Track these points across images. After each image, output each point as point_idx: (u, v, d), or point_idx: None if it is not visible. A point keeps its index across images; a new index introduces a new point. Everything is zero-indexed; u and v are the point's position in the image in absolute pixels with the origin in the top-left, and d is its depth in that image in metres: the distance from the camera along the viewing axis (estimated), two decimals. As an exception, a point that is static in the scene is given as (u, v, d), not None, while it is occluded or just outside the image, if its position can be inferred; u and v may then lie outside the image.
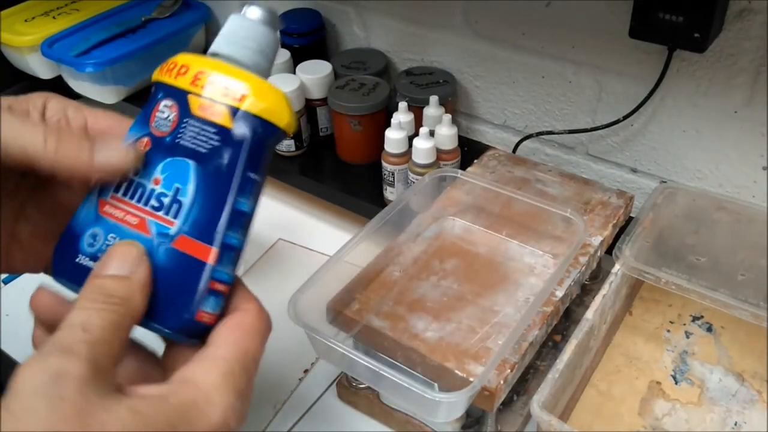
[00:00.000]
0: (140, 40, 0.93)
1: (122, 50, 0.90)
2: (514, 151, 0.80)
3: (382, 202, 0.76)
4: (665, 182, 0.69)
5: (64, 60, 0.90)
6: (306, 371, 0.65)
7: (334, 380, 0.63)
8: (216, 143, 0.33)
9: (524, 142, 0.79)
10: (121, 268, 0.31)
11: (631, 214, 0.65)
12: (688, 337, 0.63)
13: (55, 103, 0.38)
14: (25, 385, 0.26)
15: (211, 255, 0.32)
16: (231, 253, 0.34)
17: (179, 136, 0.34)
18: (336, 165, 0.83)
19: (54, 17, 0.98)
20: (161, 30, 0.95)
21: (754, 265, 0.61)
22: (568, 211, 0.56)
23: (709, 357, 0.61)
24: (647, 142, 0.72)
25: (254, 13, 0.36)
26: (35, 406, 0.25)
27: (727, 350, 0.62)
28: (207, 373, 0.31)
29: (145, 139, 0.35)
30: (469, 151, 0.79)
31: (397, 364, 0.52)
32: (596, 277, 0.66)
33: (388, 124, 0.72)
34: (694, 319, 0.65)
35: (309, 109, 0.83)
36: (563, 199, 0.63)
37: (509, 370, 0.48)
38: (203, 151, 0.33)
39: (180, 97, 0.34)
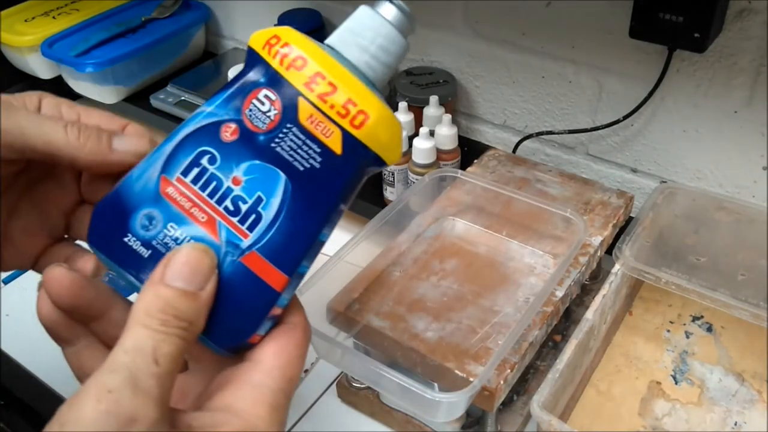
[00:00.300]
0: (140, 40, 0.93)
1: (122, 50, 0.90)
2: (514, 151, 0.80)
3: (382, 202, 0.76)
4: (665, 182, 0.69)
5: (64, 60, 0.90)
6: (306, 371, 0.65)
7: (334, 380, 0.63)
8: (317, 164, 0.29)
9: (524, 142, 0.79)
10: (191, 281, 0.28)
11: (631, 214, 0.65)
12: (688, 337, 0.63)
13: (49, 100, 0.38)
14: (88, 423, 0.24)
15: (283, 283, 0.29)
16: (298, 281, 0.31)
17: (277, 140, 0.29)
18: (336, 165, 0.83)
19: (54, 17, 0.98)
20: (161, 30, 0.95)
21: (754, 265, 0.61)
22: (568, 211, 0.56)
23: (709, 357, 0.61)
24: (647, 142, 0.72)
25: (389, 11, 0.31)
26: None
27: (727, 350, 0.62)
28: (255, 406, 0.29)
29: (233, 126, 0.29)
30: (469, 151, 0.79)
31: (397, 364, 0.52)
32: (596, 277, 0.66)
33: (388, 124, 0.72)
34: (694, 319, 0.65)
35: (309, 109, 0.83)
36: (563, 199, 0.63)
37: (509, 370, 0.48)
38: (300, 167, 0.29)
39: (289, 95, 0.29)
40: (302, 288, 0.51)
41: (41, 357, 0.66)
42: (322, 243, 0.31)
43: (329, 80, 0.28)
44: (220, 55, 1.04)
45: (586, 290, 0.66)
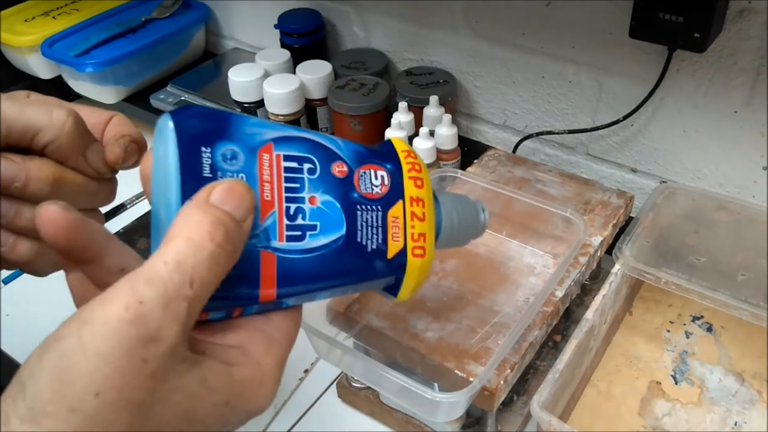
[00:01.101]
0: (140, 40, 0.93)
1: (122, 50, 0.91)
2: (514, 151, 0.80)
3: (382, 202, 0.76)
4: (665, 182, 0.69)
5: (64, 60, 0.90)
6: (306, 371, 0.65)
7: (334, 380, 0.63)
8: (368, 249, 0.32)
9: (524, 142, 0.79)
10: (239, 210, 0.27)
11: (631, 214, 0.65)
12: (688, 337, 0.63)
13: (37, 96, 0.38)
14: (110, 328, 0.23)
15: (268, 298, 0.30)
16: (272, 308, 0.31)
17: (363, 208, 0.32)
18: (336, 165, 0.83)
19: (54, 17, 0.98)
20: (161, 30, 0.95)
21: (754, 265, 0.61)
22: (568, 211, 0.56)
23: (709, 357, 0.61)
24: (647, 142, 0.72)
25: (484, 217, 0.38)
26: (112, 358, 0.23)
27: (727, 350, 0.62)
28: (268, 356, 0.29)
29: (346, 169, 0.33)
30: (469, 151, 0.79)
31: (397, 364, 0.52)
32: (596, 277, 0.66)
33: (388, 124, 0.72)
34: (694, 319, 0.65)
35: (309, 109, 0.83)
36: (563, 199, 0.63)
37: (509, 370, 0.48)
38: (358, 239, 0.32)
39: (396, 190, 0.33)
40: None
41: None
42: (311, 300, 0.32)
43: (425, 212, 0.33)
44: (220, 55, 1.04)
45: (586, 290, 0.66)
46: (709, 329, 0.64)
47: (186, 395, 0.25)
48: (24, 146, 0.34)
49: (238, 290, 0.29)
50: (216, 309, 0.29)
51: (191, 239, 0.25)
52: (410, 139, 0.71)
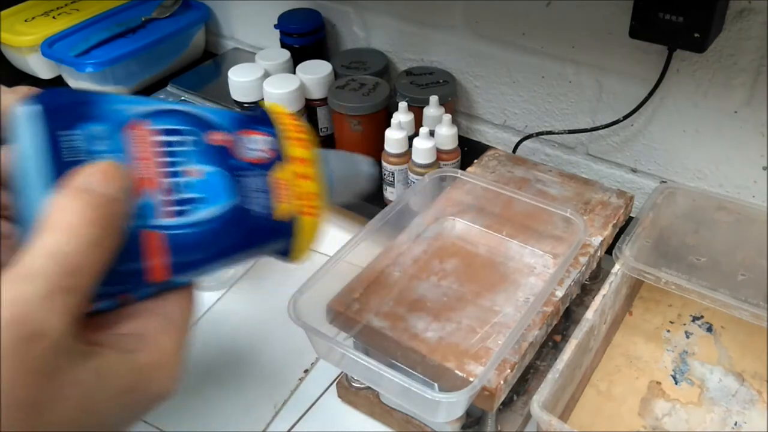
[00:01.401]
0: (140, 40, 0.93)
1: (122, 50, 0.91)
2: (514, 151, 0.80)
3: (382, 202, 0.76)
4: (665, 182, 0.69)
5: (64, 60, 0.90)
6: (306, 371, 0.65)
7: (334, 380, 0.63)
8: (255, 213, 0.31)
9: (524, 142, 0.79)
10: (112, 190, 0.26)
11: (631, 214, 0.65)
12: (688, 337, 0.63)
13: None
14: None
15: (162, 276, 0.29)
16: (166, 288, 0.30)
17: (247, 173, 0.31)
18: (336, 165, 0.83)
19: (54, 17, 0.98)
20: (161, 30, 0.95)
21: (754, 265, 0.61)
22: (568, 211, 0.56)
23: (709, 357, 0.61)
24: (647, 142, 0.72)
25: (368, 169, 0.38)
26: None
27: (727, 350, 0.62)
28: (167, 337, 0.29)
29: (224, 136, 0.31)
30: (469, 151, 0.79)
31: (397, 364, 0.52)
32: (596, 277, 0.66)
33: (388, 124, 0.72)
34: (694, 319, 0.65)
35: (309, 109, 0.83)
36: (563, 199, 0.63)
37: (509, 370, 0.48)
38: (247, 205, 0.31)
39: (281, 155, 0.32)
40: (302, 288, 0.51)
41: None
42: (206, 274, 0.30)
43: (311, 171, 0.33)
44: (220, 55, 1.04)
45: (586, 290, 0.66)
46: (709, 329, 0.64)
47: (83, 388, 0.24)
48: None
49: (122, 274, 0.27)
50: (103, 298, 0.27)
51: (66, 227, 0.24)
52: (410, 139, 0.71)
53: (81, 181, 0.26)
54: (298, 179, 0.32)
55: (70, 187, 0.25)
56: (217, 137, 0.31)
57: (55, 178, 0.26)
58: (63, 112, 0.28)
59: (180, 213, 0.29)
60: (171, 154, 0.29)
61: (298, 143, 0.33)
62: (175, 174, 0.29)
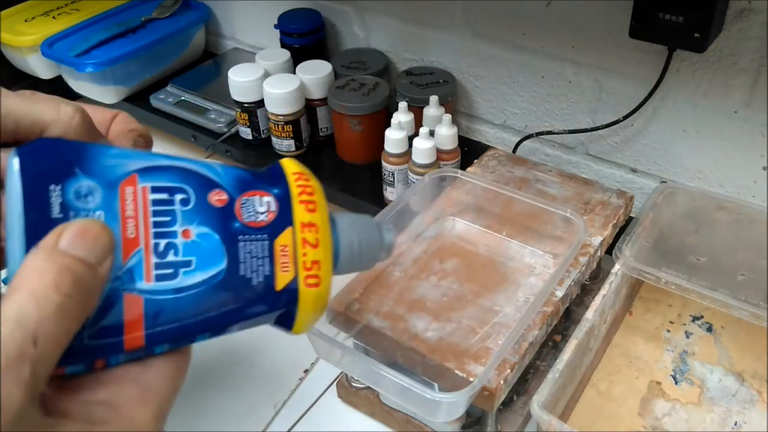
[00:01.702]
0: (140, 40, 0.93)
1: (122, 50, 0.90)
2: (514, 151, 0.80)
3: (382, 202, 0.76)
4: (665, 182, 0.69)
5: (64, 60, 0.90)
6: (306, 371, 0.65)
7: (334, 380, 0.63)
8: (253, 283, 0.29)
9: (524, 142, 0.79)
10: (92, 253, 0.25)
11: (631, 214, 0.65)
12: (688, 337, 0.63)
13: (41, 94, 0.37)
14: None
15: (136, 345, 0.27)
16: (143, 355, 0.28)
17: (246, 238, 0.29)
18: (336, 165, 0.83)
19: (54, 17, 0.98)
20: (161, 30, 0.95)
21: (754, 265, 0.61)
22: (568, 211, 0.56)
23: (709, 357, 0.61)
24: (647, 142, 0.72)
25: (388, 236, 0.35)
26: None
27: (727, 350, 0.62)
28: (142, 407, 0.27)
29: (226, 197, 0.30)
30: (469, 151, 0.79)
31: (397, 364, 0.52)
32: (596, 277, 0.66)
33: (388, 124, 0.72)
34: (694, 319, 0.65)
35: (309, 109, 0.83)
36: (563, 199, 0.63)
37: (509, 370, 0.48)
38: (242, 272, 0.29)
39: (284, 218, 0.30)
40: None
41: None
42: (190, 344, 0.29)
43: (318, 238, 0.30)
44: (220, 55, 1.04)
45: (586, 290, 0.66)
46: (709, 329, 0.64)
47: None
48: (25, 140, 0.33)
49: (97, 339, 0.26)
50: (73, 363, 0.26)
51: (33, 292, 0.23)
52: (410, 139, 0.71)
53: (59, 241, 0.25)
54: (303, 246, 0.30)
55: (46, 247, 0.24)
56: (218, 197, 0.30)
57: (37, 236, 0.25)
58: (55, 164, 0.27)
59: (167, 277, 0.27)
60: (165, 213, 0.28)
61: (306, 206, 0.31)
62: (167, 234, 0.28)
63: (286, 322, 0.31)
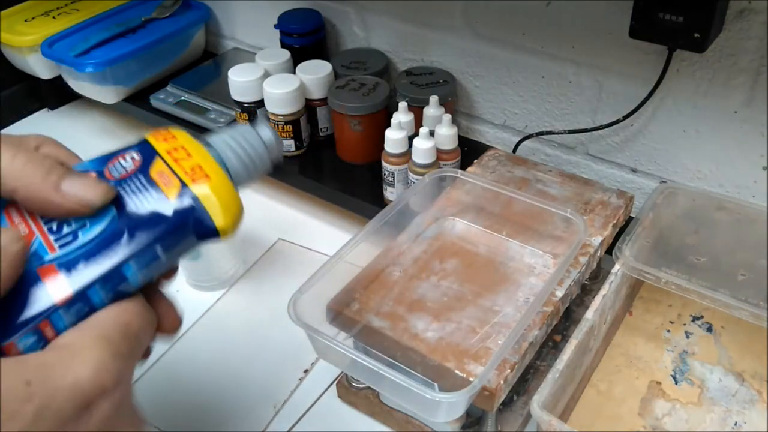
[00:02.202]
0: (140, 40, 0.93)
1: (122, 50, 0.90)
2: (514, 151, 0.80)
3: (382, 202, 0.76)
4: (665, 182, 0.69)
5: (64, 60, 0.90)
6: (306, 371, 0.65)
7: (334, 380, 0.63)
8: (148, 206, 0.33)
9: (524, 142, 0.79)
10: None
11: (631, 214, 0.65)
12: (688, 337, 0.63)
13: (49, 146, 0.36)
14: None
15: (65, 297, 0.31)
16: (84, 307, 0.32)
17: (124, 185, 0.34)
18: (336, 165, 0.83)
19: (54, 17, 0.98)
20: (161, 30, 0.95)
21: (754, 265, 0.61)
22: (568, 211, 0.56)
23: (709, 357, 0.61)
24: (647, 142, 0.72)
25: (265, 133, 0.37)
26: None
27: (727, 350, 0.62)
28: (79, 336, 0.30)
29: (93, 173, 0.34)
30: (469, 151, 0.79)
31: (397, 364, 0.52)
32: (596, 277, 0.66)
33: (388, 124, 0.72)
34: (694, 319, 0.65)
35: (309, 109, 0.83)
36: (563, 199, 0.63)
37: (509, 370, 0.48)
38: (133, 207, 0.33)
39: (149, 155, 0.34)
40: (302, 288, 0.51)
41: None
42: (126, 280, 0.33)
43: (188, 152, 0.34)
44: (220, 55, 1.04)
45: (586, 290, 0.66)
46: (709, 329, 0.64)
47: None
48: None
49: (28, 310, 0.30)
50: (16, 334, 0.30)
51: None
52: (410, 139, 0.71)
53: None
54: (177, 163, 0.34)
55: None
56: (90, 175, 0.34)
57: None
58: None
59: (69, 242, 0.32)
60: None
61: (165, 140, 0.35)
62: (53, 218, 0.33)
63: (205, 229, 0.34)
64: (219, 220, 0.33)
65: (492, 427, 0.54)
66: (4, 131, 0.99)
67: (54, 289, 0.31)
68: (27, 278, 0.31)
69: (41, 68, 0.96)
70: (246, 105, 0.83)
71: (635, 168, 0.74)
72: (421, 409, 0.49)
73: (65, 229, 0.32)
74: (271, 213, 0.85)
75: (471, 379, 0.48)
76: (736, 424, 0.56)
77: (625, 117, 0.69)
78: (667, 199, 0.63)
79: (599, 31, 0.68)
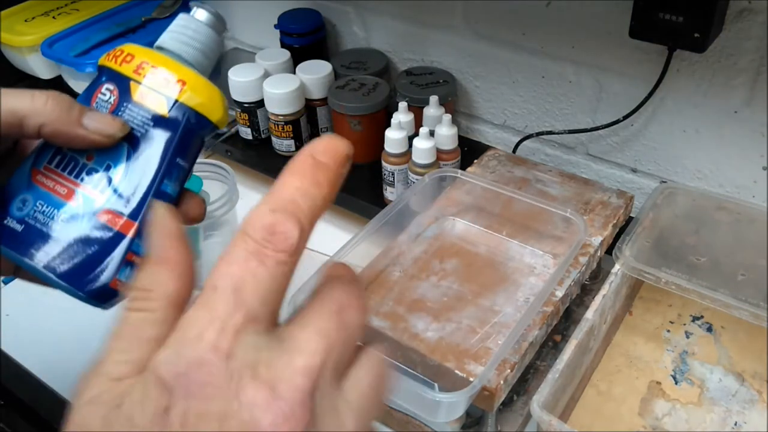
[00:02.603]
0: (140, 40, 0.93)
1: (122, 50, 0.90)
2: (514, 151, 0.80)
3: (382, 202, 0.76)
4: (665, 182, 0.69)
5: (64, 60, 0.90)
6: (306, 371, 0.65)
7: (334, 380, 0.63)
8: (150, 128, 0.36)
9: (524, 142, 0.79)
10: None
11: (631, 214, 0.65)
12: (688, 337, 0.63)
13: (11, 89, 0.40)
14: None
15: (131, 228, 0.35)
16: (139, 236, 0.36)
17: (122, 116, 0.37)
18: (336, 165, 0.83)
19: (54, 17, 0.98)
20: (161, 30, 0.93)
21: (754, 265, 0.61)
22: (568, 211, 0.56)
23: (709, 357, 0.61)
24: (647, 142, 0.72)
25: (201, 15, 0.40)
26: None
27: (727, 350, 0.62)
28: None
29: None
30: (469, 151, 0.79)
31: (397, 364, 0.52)
32: (596, 277, 0.66)
33: (388, 124, 0.72)
34: (694, 319, 0.65)
35: (309, 109, 0.83)
36: (563, 199, 0.63)
37: (509, 370, 0.48)
38: (137, 135, 0.36)
39: (122, 82, 0.36)
40: (302, 288, 0.51)
41: (41, 357, 0.66)
42: (169, 195, 0.37)
43: (152, 64, 0.36)
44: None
45: (586, 290, 0.66)
46: (709, 329, 0.64)
47: None
48: (15, 136, 0.36)
49: (110, 248, 0.35)
50: (113, 272, 0.35)
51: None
52: (410, 139, 0.71)
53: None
54: (150, 79, 0.36)
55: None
56: None
57: (18, 251, 0.36)
58: None
59: (105, 188, 0.36)
60: (68, 163, 0.36)
61: (123, 61, 0.37)
62: (81, 170, 0.36)
63: (204, 127, 0.37)
64: (212, 115, 0.37)
65: (492, 427, 0.54)
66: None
67: (120, 227, 0.35)
68: (92, 226, 0.35)
69: (41, 68, 0.96)
70: (246, 105, 0.83)
71: (635, 168, 0.74)
72: (421, 409, 0.49)
73: (95, 175, 0.36)
74: (271, 213, 0.85)
75: (471, 379, 0.48)
76: (736, 424, 0.56)
77: (625, 117, 0.69)
78: (667, 199, 0.63)
79: (599, 31, 0.68)
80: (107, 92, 0.37)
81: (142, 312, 0.26)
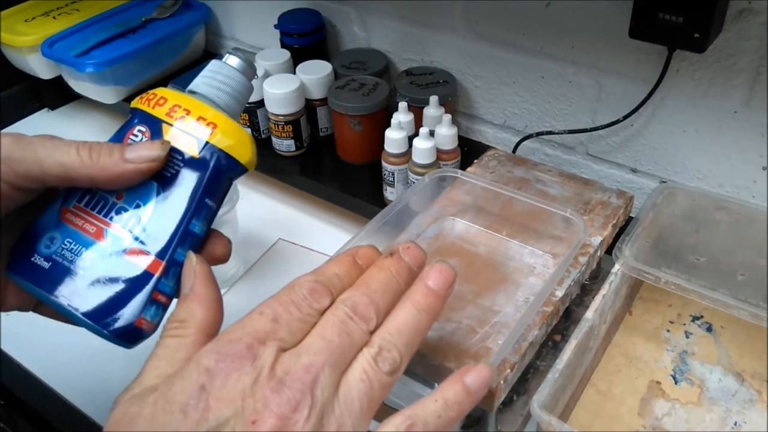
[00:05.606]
0: (140, 40, 0.93)
1: (122, 50, 0.90)
2: (514, 151, 0.80)
3: (382, 202, 0.76)
4: (665, 182, 0.69)
5: (64, 60, 0.90)
6: (306, 371, 0.65)
7: (334, 380, 0.63)
8: (180, 169, 0.37)
9: (524, 142, 0.79)
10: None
11: (631, 214, 0.65)
12: (687, 337, 0.63)
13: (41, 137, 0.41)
14: None
15: (159, 268, 0.36)
16: (177, 269, 0.37)
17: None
18: (336, 165, 0.83)
19: (54, 17, 0.98)
20: (161, 30, 0.95)
21: (754, 265, 0.61)
22: (568, 211, 0.56)
23: (709, 357, 0.61)
24: (647, 142, 0.72)
25: (233, 61, 0.41)
26: None
27: (727, 350, 0.62)
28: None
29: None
30: (469, 151, 0.79)
31: (397, 364, 0.52)
32: (596, 277, 0.66)
33: (388, 124, 0.72)
34: (694, 319, 0.65)
35: (309, 109, 0.83)
36: (563, 199, 0.63)
37: (509, 370, 0.48)
38: (167, 174, 0.37)
39: (154, 125, 0.37)
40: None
41: (41, 357, 0.66)
42: (197, 235, 0.37)
43: (184, 108, 0.37)
44: (220, 55, 1.04)
45: (586, 290, 0.66)
46: (709, 329, 0.64)
47: None
48: (62, 186, 0.37)
49: (137, 288, 0.36)
50: (139, 311, 0.36)
51: None
52: (410, 139, 0.71)
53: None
54: (181, 122, 0.37)
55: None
56: None
57: (45, 289, 0.37)
58: (22, 254, 0.37)
59: (133, 227, 0.36)
60: (97, 202, 0.37)
61: (156, 104, 0.38)
62: (110, 209, 0.37)
63: (234, 169, 0.38)
64: (242, 157, 0.38)
65: (492, 427, 0.54)
66: (4, 131, 0.99)
67: (148, 266, 0.35)
68: (119, 265, 0.35)
69: (41, 68, 0.96)
70: (246, 105, 0.83)
71: (635, 168, 0.75)
72: (421, 409, 0.49)
73: (125, 214, 0.36)
74: (272, 213, 0.85)
75: (471, 379, 0.48)
76: (735, 423, 0.56)
77: (625, 117, 0.69)
78: (667, 199, 0.63)
79: (599, 31, 0.68)
80: (139, 133, 0.37)
81: (177, 338, 0.32)
